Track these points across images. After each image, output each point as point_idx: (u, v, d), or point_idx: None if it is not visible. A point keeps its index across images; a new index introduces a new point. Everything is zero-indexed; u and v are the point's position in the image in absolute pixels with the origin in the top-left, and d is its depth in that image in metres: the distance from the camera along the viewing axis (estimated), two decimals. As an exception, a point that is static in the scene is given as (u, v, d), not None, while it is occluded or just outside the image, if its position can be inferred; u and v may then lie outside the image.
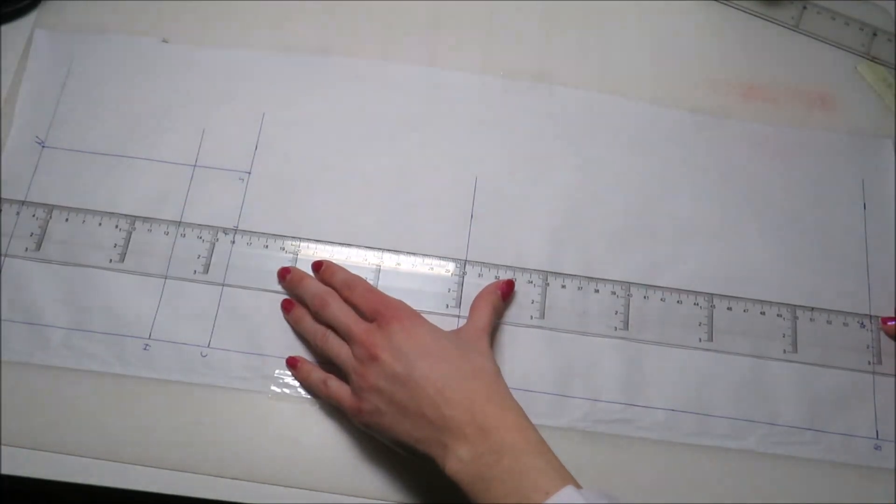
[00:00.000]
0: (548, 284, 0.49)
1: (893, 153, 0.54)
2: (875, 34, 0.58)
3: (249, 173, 0.50)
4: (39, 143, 0.50)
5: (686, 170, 0.53)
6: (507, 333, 0.48)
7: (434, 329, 0.42)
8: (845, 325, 0.49)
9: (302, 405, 0.45)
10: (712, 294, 0.49)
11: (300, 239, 0.49)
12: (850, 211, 0.52)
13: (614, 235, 0.50)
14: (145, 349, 0.46)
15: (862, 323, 0.49)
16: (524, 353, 0.47)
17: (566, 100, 0.54)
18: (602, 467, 0.45)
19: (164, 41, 0.53)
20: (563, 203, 0.51)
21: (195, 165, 0.50)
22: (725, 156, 0.53)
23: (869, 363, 0.48)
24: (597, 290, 0.49)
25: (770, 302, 0.49)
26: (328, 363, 0.45)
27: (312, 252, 0.49)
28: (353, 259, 0.49)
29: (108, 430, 0.44)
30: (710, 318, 0.49)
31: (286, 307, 0.47)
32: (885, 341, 0.49)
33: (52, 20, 0.54)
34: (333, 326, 0.44)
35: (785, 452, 0.46)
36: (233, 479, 0.43)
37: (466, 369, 0.40)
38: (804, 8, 0.59)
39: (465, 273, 0.49)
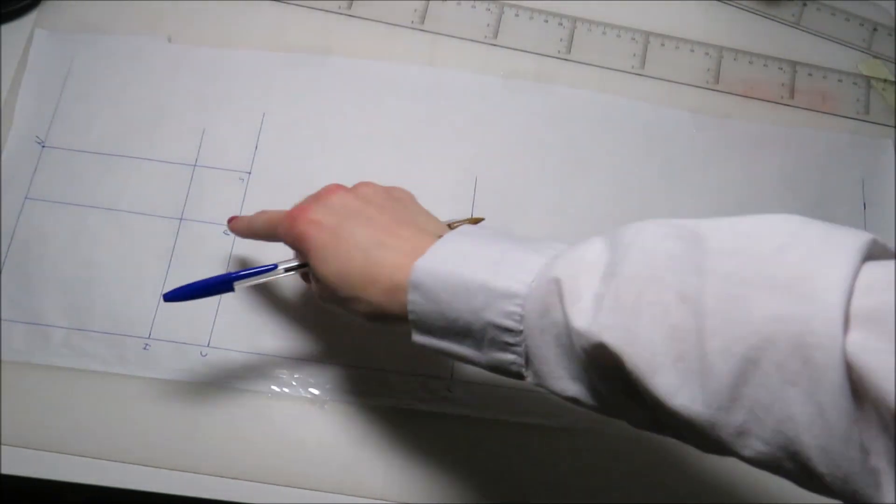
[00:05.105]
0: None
1: (893, 153, 0.54)
2: (875, 29, 0.58)
3: (249, 173, 0.50)
4: (39, 143, 0.50)
5: (686, 169, 0.53)
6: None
7: None
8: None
9: (302, 405, 0.45)
10: (712, 294, 0.49)
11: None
12: (850, 211, 0.52)
13: (614, 235, 0.50)
14: (145, 349, 0.46)
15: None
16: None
17: (566, 100, 0.54)
18: (604, 467, 0.45)
19: (169, 40, 0.53)
20: (562, 202, 0.51)
21: (195, 165, 0.50)
22: (725, 156, 0.53)
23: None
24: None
25: (770, 302, 0.49)
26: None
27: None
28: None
29: (108, 430, 0.44)
30: (710, 317, 0.49)
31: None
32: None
33: (52, 20, 0.54)
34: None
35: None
36: (233, 479, 0.43)
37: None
38: (804, 5, 0.59)
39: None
